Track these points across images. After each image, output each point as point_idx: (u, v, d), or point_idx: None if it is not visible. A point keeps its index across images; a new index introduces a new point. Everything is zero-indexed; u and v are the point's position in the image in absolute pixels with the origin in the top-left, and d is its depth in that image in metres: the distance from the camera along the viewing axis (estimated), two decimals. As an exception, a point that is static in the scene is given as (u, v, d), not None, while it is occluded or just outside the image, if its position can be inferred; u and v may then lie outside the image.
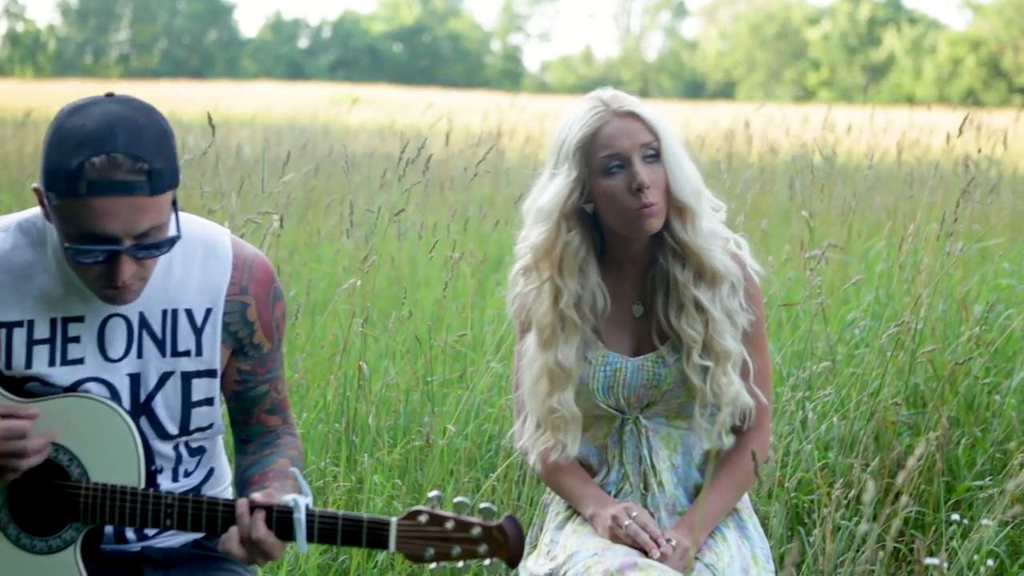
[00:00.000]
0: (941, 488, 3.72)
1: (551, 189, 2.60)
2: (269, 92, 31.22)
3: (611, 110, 2.55)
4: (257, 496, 2.15)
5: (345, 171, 4.05)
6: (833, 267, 5.23)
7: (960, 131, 4.44)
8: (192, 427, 2.34)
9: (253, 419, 2.48)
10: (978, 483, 3.83)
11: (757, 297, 2.69)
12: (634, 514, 2.56)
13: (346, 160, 4.08)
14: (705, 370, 2.61)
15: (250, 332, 2.39)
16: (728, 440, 2.64)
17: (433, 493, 2.06)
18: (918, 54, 47.90)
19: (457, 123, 11.53)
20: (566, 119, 2.61)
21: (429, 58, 65.32)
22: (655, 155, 2.54)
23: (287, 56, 63.96)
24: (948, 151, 6.37)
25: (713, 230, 2.59)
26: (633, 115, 2.54)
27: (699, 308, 2.59)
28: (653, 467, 2.68)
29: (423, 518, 2.07)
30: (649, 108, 2.57)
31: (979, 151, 4.75)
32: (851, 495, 3.56)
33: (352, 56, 64.22)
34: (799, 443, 3.78)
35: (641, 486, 2.68)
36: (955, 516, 3.63)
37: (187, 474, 2.39)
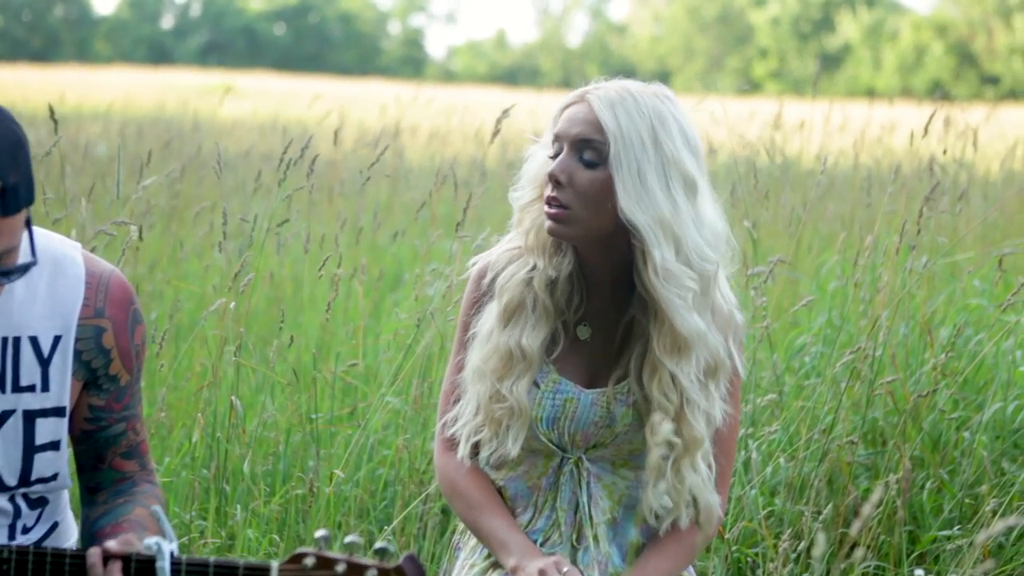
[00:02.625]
0: (903, 539, 3.77)
1: (537, 154, 2.69)
2: (127, 80, 30.88)
3: (585, 93, 2.59)
4: (112, 544, 2.13)
5: (217, 173, 4.02)
6: (780, 285, 5.29)
7: (925, 130, 4.51)
8: (33, 477, 2.31)
9: (106, 464, 2.45)
10: (945, 533, 3.89)
11: (736, 394, 2.72)
12: (564, 570, 2.55)
13: (218, 160, 4.06)
14: (669, 449, 2.61)
15: (106, 362, 2.36)
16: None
17: (320, 532, 2.05)
18: (877, 41, 48.66)
19: (349, 118, 11.51)
20: None
21: (316, 42, 65.06)
22: (596, 160, 2.54)
23: (149, 38, 63.36)
24: (912, 152, 6.49)
25: (677, 273, 2.53)
26: (589, 106, 2.56)
27: (674, 379, 2.59)
28: (590, 518, 2.69)
29: (309, 561, 2.06)
30: (636, 118, 2.52)
31: (944, 152, 4.84)
32: (801, 547, 3.60)
33: (226, 39, 63.79)
34: (741, 488, 3.81)
35: (573, 538, 2.69)
36: (919, 571, 3.67)
37: (26, 530, 2.35)
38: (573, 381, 2.67)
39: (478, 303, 2.74)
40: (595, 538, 2.67)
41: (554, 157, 2.59)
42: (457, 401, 2.76)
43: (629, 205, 2.51)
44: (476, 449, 2.73)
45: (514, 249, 2.71)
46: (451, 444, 2.78)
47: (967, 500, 4.04)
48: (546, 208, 2.57)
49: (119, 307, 2.37)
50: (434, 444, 2.86)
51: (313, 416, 4.03)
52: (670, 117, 2.55)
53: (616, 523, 2.70)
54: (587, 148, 2.54)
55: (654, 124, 2.53)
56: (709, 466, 2.65)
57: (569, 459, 2.70)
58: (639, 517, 2.71)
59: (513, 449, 2.65)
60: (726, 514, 3.72)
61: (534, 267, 2.65)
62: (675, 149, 2.53)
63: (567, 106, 2.61)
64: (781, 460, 4.01)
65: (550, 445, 2.68)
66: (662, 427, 2.58)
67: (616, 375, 2.66)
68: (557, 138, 2.59)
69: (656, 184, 2.51)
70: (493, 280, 2.71)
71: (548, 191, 2.56)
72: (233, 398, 3.78)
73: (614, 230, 2.56)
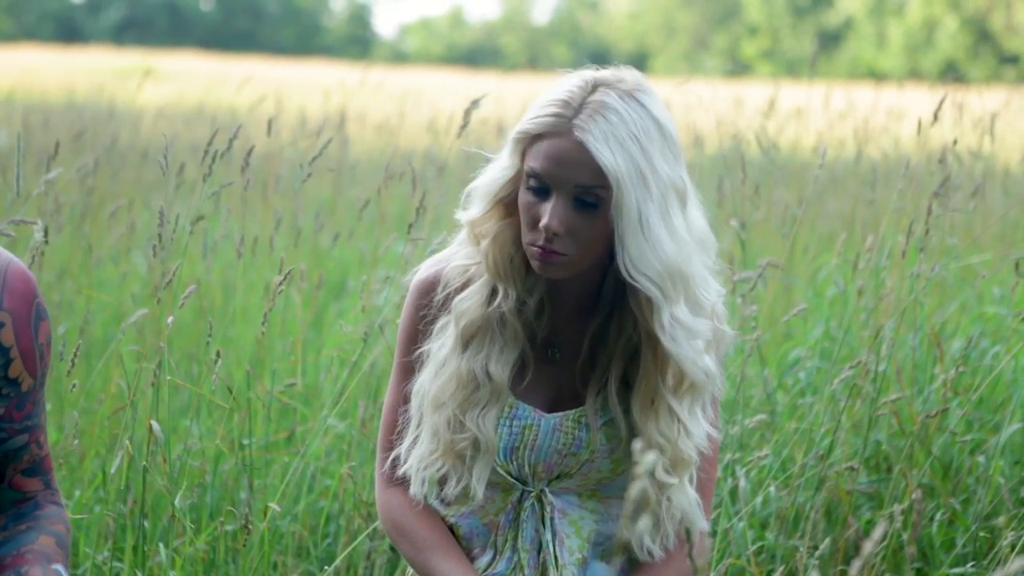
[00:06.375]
0: (911, 577, 3.80)
1: (491, 170, 2.63)
2: (32, 60, 30.77)
3: (570, 125, 2.50)
4: None
5: (163, 168, 3.98)
6: (772, 292, 5.32)
7: (935, 116, 4.53)
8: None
9: (5, 482, 2.44)
10: (958, 570, 3.91)
11: (716, 405, 2.74)
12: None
13: (163, 155, 4.02)
14: (663, 483, 2.63)
15: (5, 362, 2.34)
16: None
17: None
18: (882, 16, 48.83)
19: (287, 104, 11.50)
20: (542, 95, 2.59)
21: (249, 18, 64.92)
22: (595, 203, 2.50)
23: (58, 13, 63.07)
24: (922, 142, 6.52)
25: (690, 327, 2.54)
26: (583, 146, 2.48)
27: (673, 414, 2.60)
28: (556, 558, 2.69)
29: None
30: (632, 147, 2.48)
31: (954, 143, 4.86)
32: (795, 587, 3.62)
33: (145, 15, 63.54)
34: (728, 520, 3.82)
35: (539, 582, 2.70)
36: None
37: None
38: (532, 405, 2.67)
39: (426, 320, 2.72)
40: (563, 582, 2.68)
41: (534, 191, 2.53)
42: (400, 433, 2.75)
43: (632, 261, 2.49)
44: (427, 485, 2.73)
45: (469, 265, 2.69)
46: (395, 479, 2.77)
47: (982, 533, 4.06)
48: (537, 251, 2.53)
49: (20, 300, 2.34)
50: (375, 478, 2.85)
51: (245, 442, 4.03)
52: (652, 125, 2.51)
53: (586, 563, 2.71)
54: (586, 192, 2.49)
55: (643, 144, 2.48)
56: (691, 479, 2.67)
57: (530, 493, 2.71)
58: (608, 555, 2.72)
59: (479, 488, 2.65)
60: (713, 535, 3.73)
61: (495, 291, 2.63)
62: (666, 166, 2.50)
63: (540, 135, 2.53)
64: (772, 489, 4.03)
65: (508, 478, 2.69)
66: (645, 458, 2.59)
67: (590, 396, 2.67)
68: (537, 176, 2.52)
69: (659, 222, 2.49)
70: (445, 298, 2.69)
71: (539, 239, 2.51)
72: (153, 422, 3.78)
73: (601, 257, 2.59)
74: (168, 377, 3.68)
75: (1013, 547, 3.68)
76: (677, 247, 2.50)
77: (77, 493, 3.95)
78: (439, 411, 2.65)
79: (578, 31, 65.99)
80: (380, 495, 2.80)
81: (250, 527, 3.65)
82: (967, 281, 5.70)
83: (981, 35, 44.56)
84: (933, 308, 4.92)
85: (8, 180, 5.85)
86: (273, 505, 3.74)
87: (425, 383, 2.68)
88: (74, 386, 3.83)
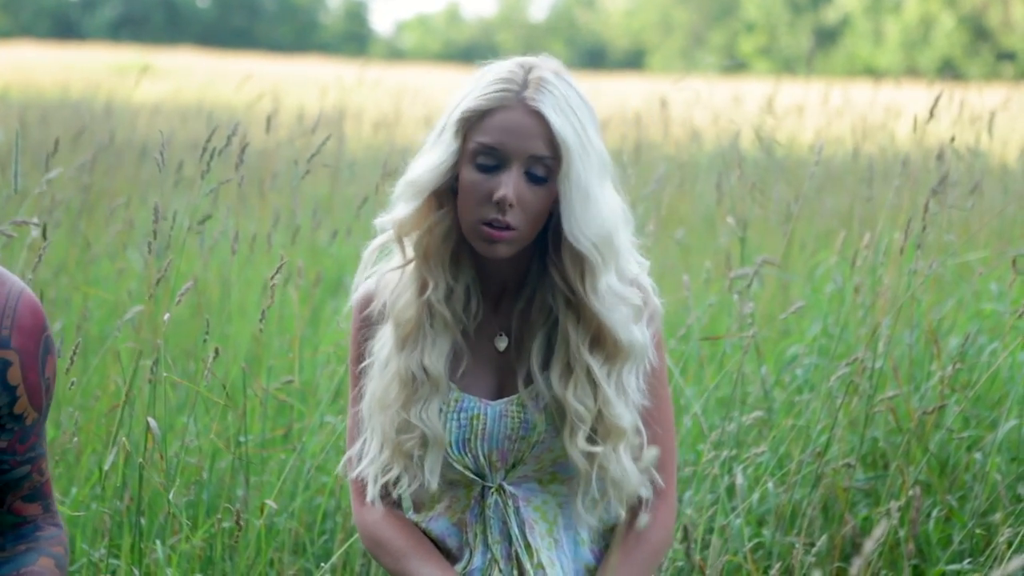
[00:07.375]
0: (908, 573, 3.80)
1: (429, 159, 2.65)
2: (29, 57, 30.75)
3: (521, 97, 2.57)
4: None
5: (159, 165, 3.98)
6: (769, 290, 5.32)
7: (931, 113, 4.53)
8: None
9: (5, 508, 2.42)
10: (954, 567, 3.91)
11: (662, 377, 2.77)
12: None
13: (160, 152, 4.02)
14: (592, 453, 2.66)
15: (10, 400, 2.30)
16: (619, 512, 2.72)
17: None
18: (879, 13, 48.79)
19: (284, 101, 11.49)
20: (472, 80, 2.66)
21: (245, 15, 64.89)
22: (545, 176, 2.57)
23: (53, 10, 63.01)
24: (919, 139, 6.52)
25: (620, 293, 2.62)
26: (541, 118, 2.56)
27: (591, 379, 2.64)
28: (527, 547, 2.71)
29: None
30: (573, 118, 2.57)
31: (952, 140, 4.86)
32: (792, 584, 3.62)
33: (142, 11, 63.49)
34: (725, 516, 3.83)
35: (515, 573, 2.71)
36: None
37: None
38: (477, 395, 2.71)
39: (364, 330, 2.77)
40: (539, 567, 2.70)
41: (484, 168, 2.58)
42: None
43: (579, 225, 2.56)
44: (386, 489, 2.76)
45: (395, 270, 2.71)
46: (364, 490, 2.80)
47: (979, 530, 4.06)
48: (487, 230, 2.57)
49: (29, 337, 2.31)
50: (350, 492, 2.87)
51: (242, 439, 4.03)
52: (582, 101, 2.61)
53: (560, 544, 2.74)
54: (538, 164, 2.57)
55: (580, 116, 2.59)
56: (641, 444, 2.70)
57: (491, 488, 2.72)
58: (583, 539, 2.75)
59: (432, 480, 2.68)
60: (710, 532, 3.73)
61: (425, 283, 2.66)
62: (597, 139, 2.61)
63: (490, 111, 2.59)
64: (769, 485, 4.03)
65: (467, 473, 2.71)
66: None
67: (521, 379, 2.71)
68: (489, 150, 2.57)
69: (598, 190, 2.58)
70: (383, 307, 2.73)
71: (492, 213, 2.56)
72: (149, 419, 3.77)
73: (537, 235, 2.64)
74: (165, 374, 3.68)
75: (1010, 544, 3.68)
76: (612, 217, 2.59)
77: (74, 490, 3.95)
78: (384, 412, 2.69)
79: (575, 28, 65.91)
80: (356, 513, 2.84)
81: (242, 524, 3.66)
82: (964, 278, 5.70)
83: (978, 32, 44.51)
84: (930, 305, 4.92)
85: (6, 178, 5.85)
86: (270, 502, 3.74)
87: (370, 386, 2.73)
88: (72, 384, 3.83)
